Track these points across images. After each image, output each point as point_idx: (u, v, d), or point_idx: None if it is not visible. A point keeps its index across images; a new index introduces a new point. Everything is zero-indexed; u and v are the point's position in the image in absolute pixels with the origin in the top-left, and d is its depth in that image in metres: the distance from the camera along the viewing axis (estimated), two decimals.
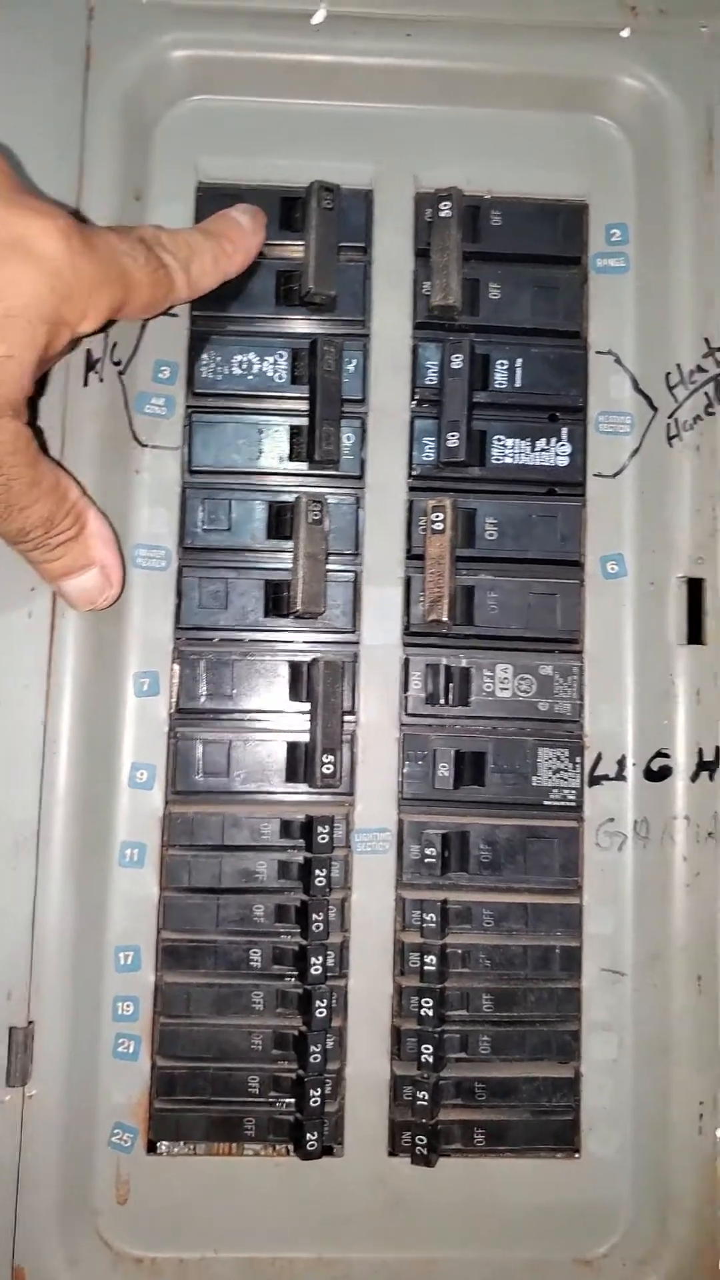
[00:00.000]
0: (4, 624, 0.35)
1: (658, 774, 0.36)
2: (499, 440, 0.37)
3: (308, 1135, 0.35)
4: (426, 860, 0.36)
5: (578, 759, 0.37)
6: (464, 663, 0.37)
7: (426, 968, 0.35)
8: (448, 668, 0.37)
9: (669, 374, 0.37)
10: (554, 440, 0.37)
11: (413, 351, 0.37)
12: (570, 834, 0.37)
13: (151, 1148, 0.35)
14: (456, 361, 0.36)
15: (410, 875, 0.36)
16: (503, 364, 0.37)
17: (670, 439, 0.37)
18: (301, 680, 0.36)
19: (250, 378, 0.37)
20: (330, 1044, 0.35)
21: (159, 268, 0.32)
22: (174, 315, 0.37)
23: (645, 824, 0.36)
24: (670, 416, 0.37)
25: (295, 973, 0.36)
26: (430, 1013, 0.35)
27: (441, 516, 0.36)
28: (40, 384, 0.34)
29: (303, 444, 0.37)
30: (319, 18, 0.37)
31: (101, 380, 0.36)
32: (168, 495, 0.37)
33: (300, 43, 0.37)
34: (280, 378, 0.37)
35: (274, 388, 0.37)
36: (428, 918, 0.36)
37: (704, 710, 0.36)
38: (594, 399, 0.37)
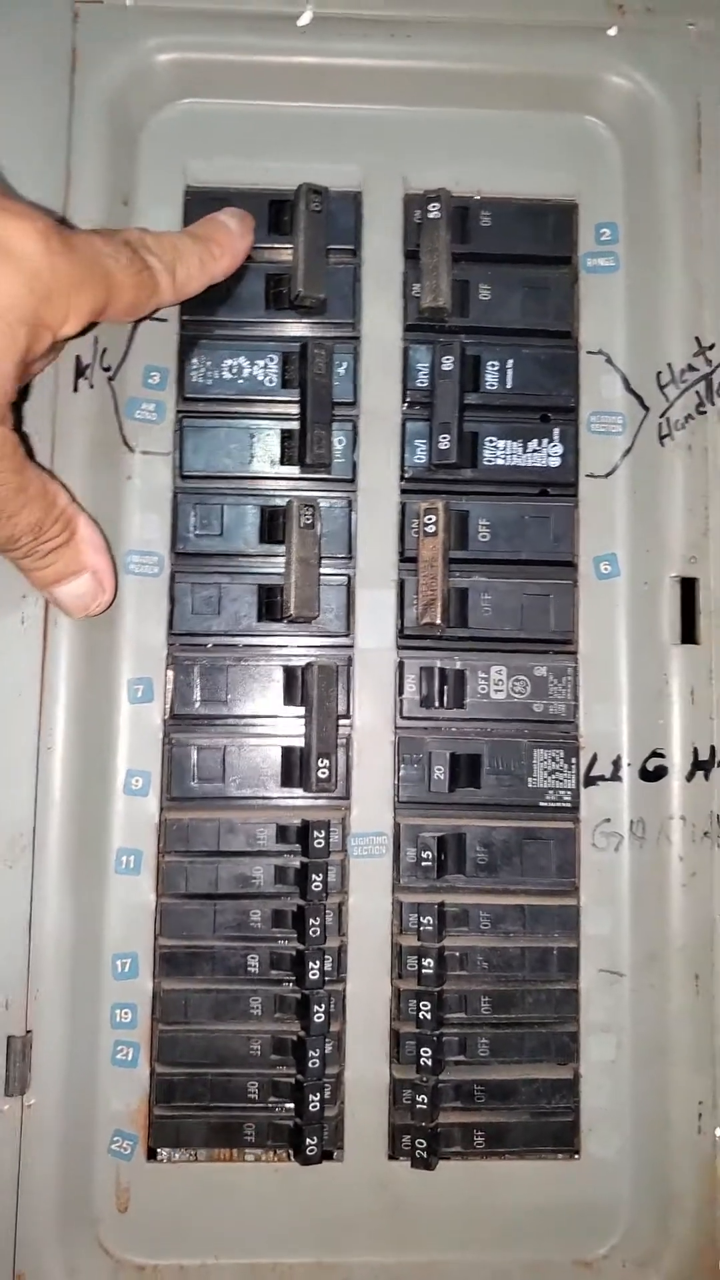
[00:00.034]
0: None
1: (653, 774, 0.36)
2: (491, 441, 0.37)
3: (307, 1140, 0.35)
4: (423, 863, 0.36)
5: (573, 760, 0.37)
6: (458, 665, 0.37)
7: (424, 971, 0.35)
8: (442, 670, 0.37)
9: (660, 373, 0.37)
10: (546, 441, 0.37)
11: (403, 353, 0.37)
12: (566, 835, 0.37)
13: (151, 1155, 0.35)
14: (447, 363, 0.36)
15: (407, 878, 0.36)
16: (494, 365, 0.37)
17: (662, 438, 0.37)
18: (296, 685, 0.36)
19: (241, 382, 0.37)
20: (329, 1048, 0.35)
21: (143, 269, 0.32)
22: (163, 320, 0.37)
23: (641, 824, 0.36)
24: (662, 416, 0.37)
25: (293, 977, 0.36)
26: (429, 1016, 0.35)
27: (434, 519, 0.36)
28: (24, 390, 0.34)
29: (294, 448, 0.37)
30: (305, 20, 0.37)
31: (91, 386, 0.36)
32: (159, 501, 0.37)
33: (287, 45, 0.37)
34: (271, 381, 0.37)
35: (264, 391, 0.37)
36: (425, 921, 0.36)
37: (698, 709, 0.36)
38: (585, 399, 0.37)
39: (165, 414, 0.37)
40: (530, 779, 0.37)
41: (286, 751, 0.36)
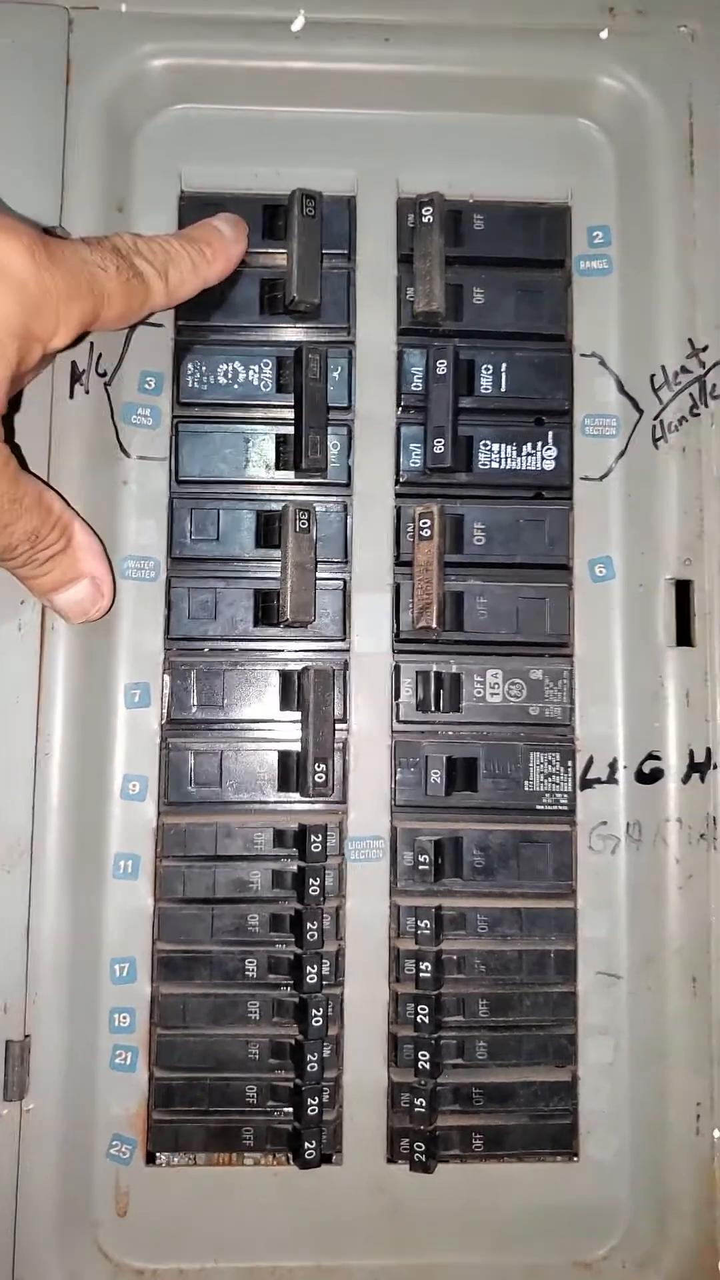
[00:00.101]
0: None
1: (649, 776, 0.36)
2: (485, 445, 0.37)
3: (306, 1144, 0.35)
4: (420, 867, 0.36)
5: (569, 763, 0.37)
6: (454, 668, 0.37)
7: (422, 974, 0.35)
8: (438, 674, 0.37)
9: (654, 376, 0.37)
10: (540, 444, 0.37)
11: (398, 358, 0.37)
12: (563, 838, 0.37)
13: (150, 1159, 0.35)
14: (441, 367, 0.36)
15: (404, 882, 0.36)
16: (488, 369, 0.37)
17: (656, 441, 0.37)
18: (292, 689, 0.36)
19: (236, 387, 0.37)
20: (327, 1052, 0.35)
21: (132, 276, 0.32)
22: (158, 325, 0.37)
23: (638, 827, 0.36)
24: (656, 418, 0.37)
25: (291, 981, 0.36)
26: (426, 1019, 0.35)
27: (429, 522, 0.36)
28: (15, 401, 0.34)
29: (289, 452, 0.37)
30: (298, 25, 0.37)
31: (87, 392, 0.36)
32: (155, 506, 0.37)
33: (280, 50, 0.37)
34: (266, 386, 0.37)
35: (260, 396, 0.37)
36: (422, 924, 0.36)
37: (694, 712, 0.36)
38: (579, 402, 0.37)
39: (161, 419, 0.37)
40: (527, 782, 0.37)
41: (283, 756, 0.36)
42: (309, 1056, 0.35)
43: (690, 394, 0.37)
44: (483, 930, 0.36)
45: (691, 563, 0.37)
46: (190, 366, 0.37)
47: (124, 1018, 0.35)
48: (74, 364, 0.36)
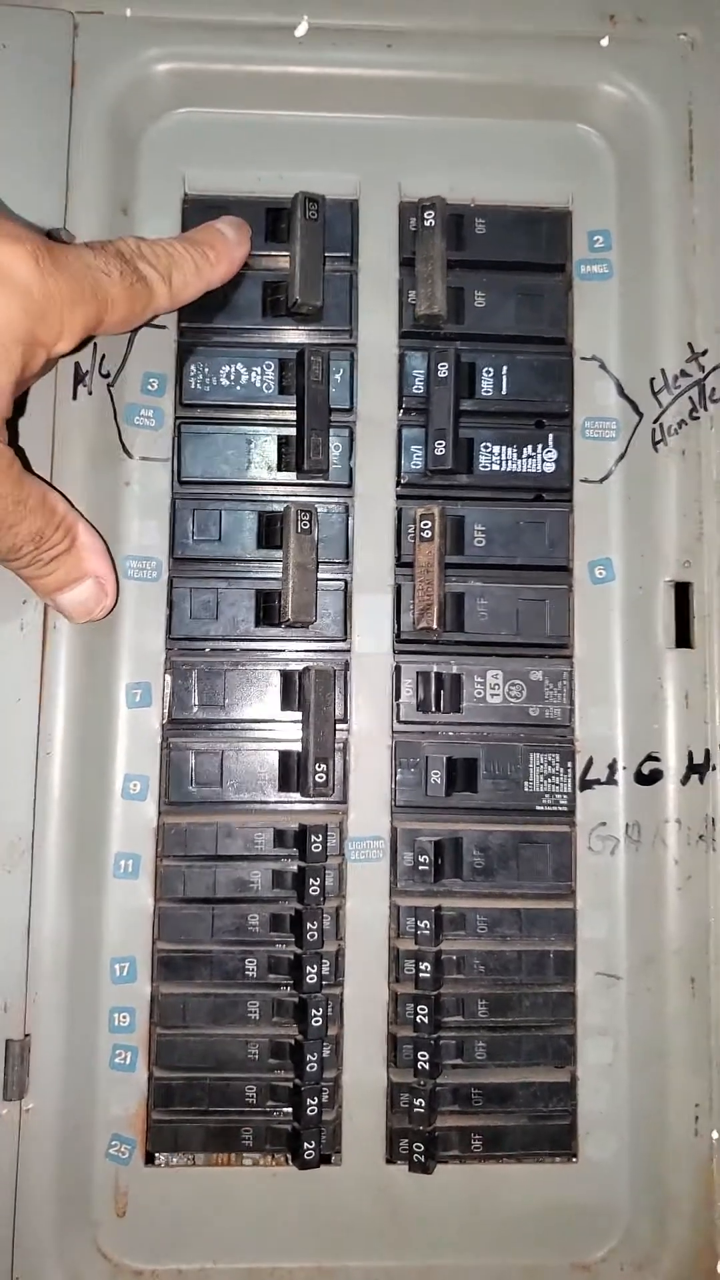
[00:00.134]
0: None
1: (649, 778, 0.36)
2: (486, 447, 0.37)
3: (305, 1144, 0.35)
4: (420, 867, 0.36)
5: (569, 764, 0.37)
6: (454, 669, 0.37)
7: (421, 974, 0.36)
8: (438, 674, 0.37)
9: (653, 379, 0.37)
10: (541, 446, 0.37)
11: (399, 360, 0.38)
12: (563, 839, 0.37)
13: (149, 1159, 0.35)
14: (443, 370, 0.37)
15: (404, 882, 0.36)
16: (489, 371, 0.37)
17: (656, 444, 0.37)
18: (293, 689, 0.37)
19: (238, 388, 0.37)
20: (327, 1052, 0.35)
21: (136, 280, 0.32)
22: (162, 327, 0.37)
23: (637, 828, 0.36)
24: (655, 421, 0.37)
25: (291, 981, 0.36)
26: (426, 1019, 0.35)
27: (430, 524, 0.36)
28: (19, 404, 0.35)
29: (291, 454, 0.37)
30: (302, 30, 0.37)
31: (90, 393, 0.36)
32: (158, 506, 0.37)
33: (284, 55, 0.37)
34: (268, 388, 0.37)
35: (262, 398, 0.37)
36: (422, 924, 0.36)
37: (693, 714, 0.36)
38: (580, 405, 0.38)
39: (164, 420, 0.37)
40: (526, 783, 0.37)
41: (284, 756, 0.36)
42: (308, 1057, 0.35)
43: (690, 397, 0.37)
44: (482, 931, 0.36)
45: (691, 565, 0.37)
46: (193, 368, 0.37)
47: (124, 1017, 0.35)
48: (77, 365, 0.36)
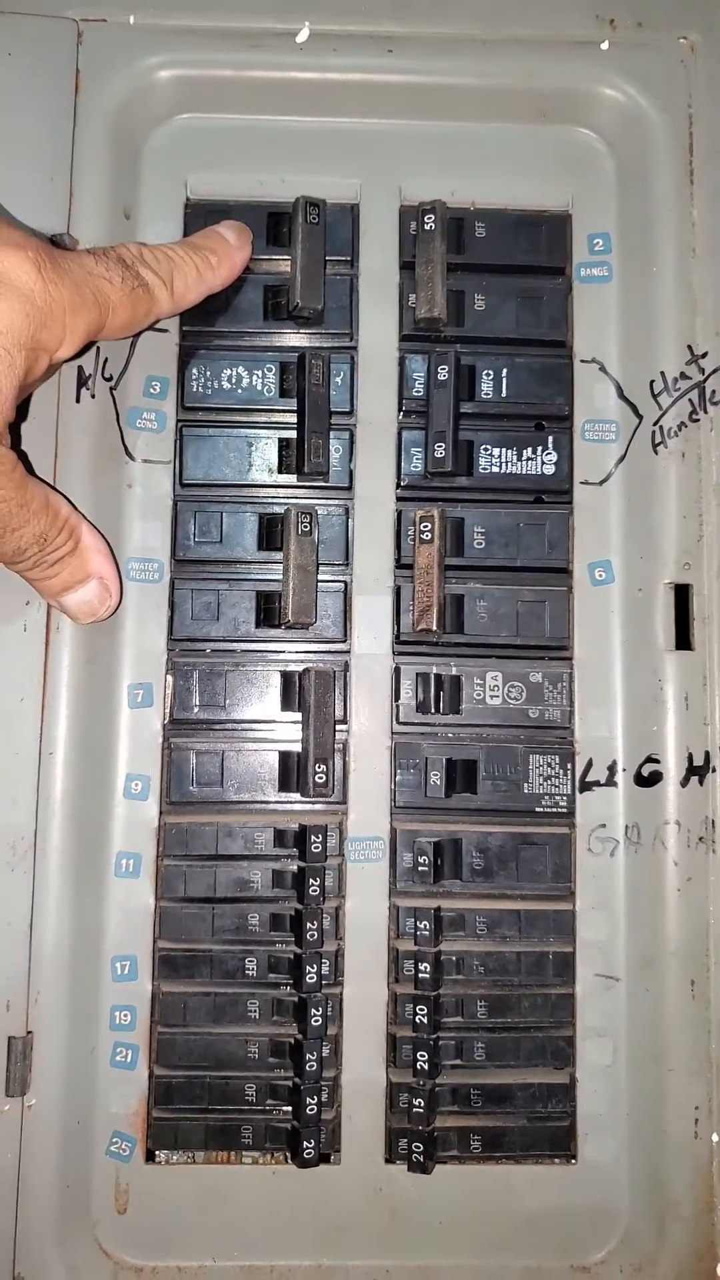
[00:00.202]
0: None
1: (648, 779, 0.36)
2: (486, 450, 0.37)
3: (304, 1143, 0.35)
4: (420, 868, 0.36)
5: (568, 765, 0.37)
6: (454, 671, 0.37)
7: (421, 975, 0.36)
8: (438, 676, 0.37)
9: (653, 381, 0.37)
10: (540, 449, 0.38)
11: (399, 363, 0.38)
12: (562, 840, 0.37)
13: (150, 1156, 0.36)
14: (443, 373, 0.37)
15: (404, 883, 0.36)
16: (488, 374, 0.38)
17: (656, 446, 0.37)
18: (293, 690, 0.37)
19: (239, 391, 0.37)
20: (326, 1052, 0.35)
21: (137, 286, 0.33)
22: (164, 331, 0.37)
23: (636, 829, 0.37)
24: (655, 424, 0.37)
25: (291, 981, 0.36)
26: (425, 1020, 0.35)
27: (430, 526, 0.36)
28: (22, 409, 0.35)
29: (292, 456, 0.37)
30: (303, 36, 0.38)
31: (93, 396, 0.37)
32: (160, 508, 0.37)
33: (285, 61, 0.38)
34: (269, 391, 0.37)
35: (263, 401, 0.37)
36: (421, 925, 0.36)
37: (693, 715, 0.36)
38: (579, 407, 0.38)
39: (166, 423, 0.37)
40: (526, 784, 0.37)
41: (284, 756, 0.37)
42: (308, 1056, 0.35)
43: (690, 400, 0.37)
44: (482, 931, 0.36)
45: (690, 567, 0.37)
46: (195, 371, 0.37)
47: (125, 1015, 0.36)
48: (80, 369, 0.36)
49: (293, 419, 0.37)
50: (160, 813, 0.36)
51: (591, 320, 0.38)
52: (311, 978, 0.35)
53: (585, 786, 0.37)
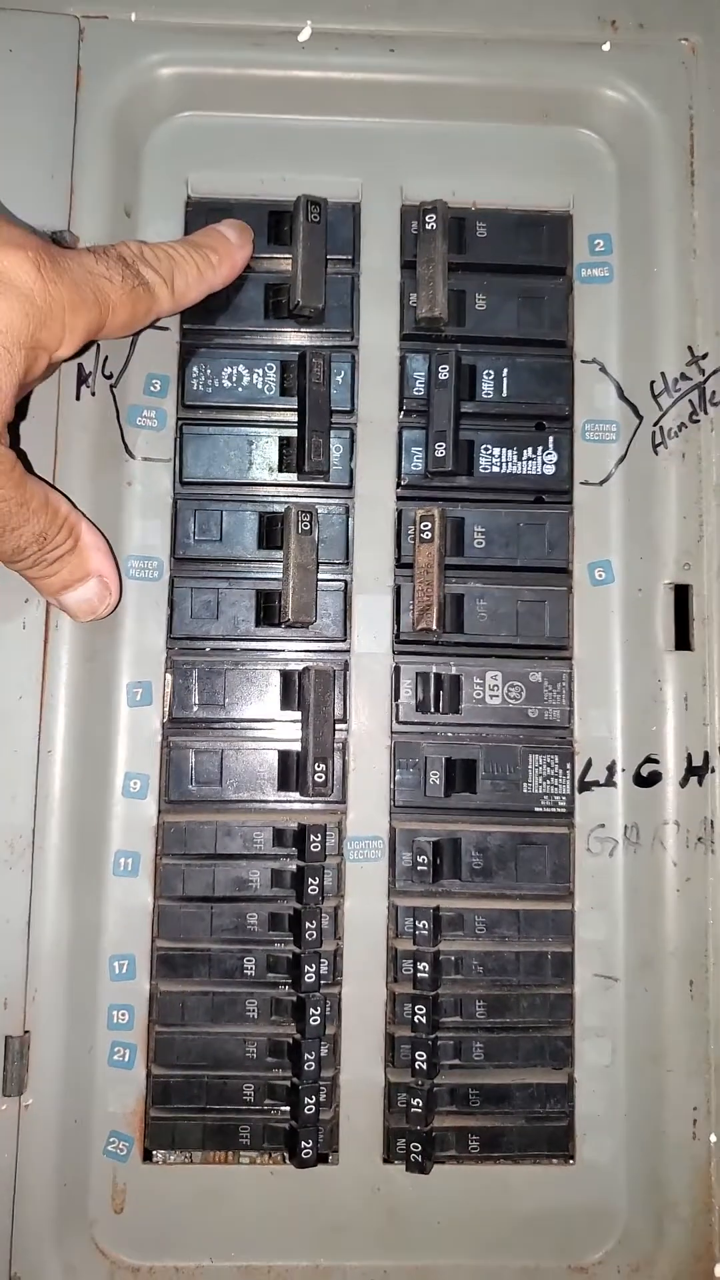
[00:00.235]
0: None
1: (647, 780, 0.36)
2: (486, 449, 0.37)
3: (302, 1143, 0.35)
4: (419, 867, 0.36)
5: (568, 765, 0.37)
6: (454, 670, 0.37)
7: (419, 975, 0.36)
8: (438, 675, 0.37)
9: (654, 382, 0.37)
10: (541, 449, 0.38)
11: (400, 362, 0.38)
12: (561, 840, 0.37)
13: (147, 1156, 0.36)
14: (443, 372, 0.37)
15: (403, 882, 0.36)
16: (489, 374, 0.38)
17: (656, 446, 0.37)
18: (293, 689, 0.37)
19: (240, 390, 0.37)
20: (324, 1051, 0.35)
21: (137, 285, 0.33)
22: (164, 329, 0.37)
23: (636, 830, 0.37)
24: (655, 424, 0.37)
25: (289, 980, 0.36)
26: (424, 1019, 0.35)
27: (430, 525, 0.36)
28: (21, 407, 0.35)
29: (292, 455, 0.37)
30: (305, 35, 0.38)
31: (93, 394, 0.37)
32: (159, 507, 0.37)
33: (287, 59, 0.38)
34: (269, 389, 0.37)
35: (263, 399, 0.37)
36: (420, 925, 0.36)
37: (692, 716, 0.36)
38: (580, 407, 0.38)
39: (166, 421, 0.37)
40: (525, 784, 0.37)
41: (283, 755, 0.37)
42: (306, 1056, 0.35)
43: (690, 400, 0.37)
44: (480, 931, 0.36)
45: (690, 568, 0.37)
46: (195, 369, 0.37)
47: (123, 1014, 0.36)
48: (80, 366, 0.36)
49: (293, 418, 0.37)
50: (159, 811, 0.36)
51: (592, 320, 0.38)
52: (310, 977, 0.35)
53: (584, 786, 0.37)
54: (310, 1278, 0.35)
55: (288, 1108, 0.35)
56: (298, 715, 0.37)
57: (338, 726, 0.36)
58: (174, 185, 0.38)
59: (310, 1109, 0.35)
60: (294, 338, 0.38)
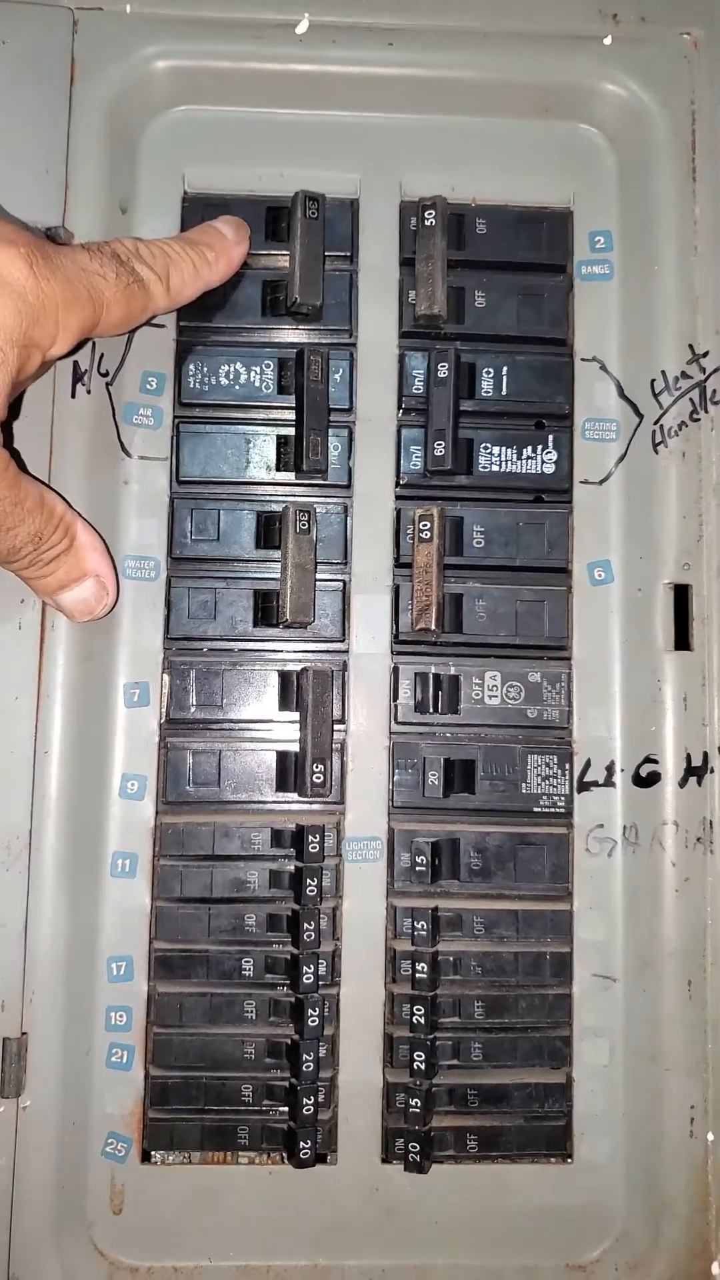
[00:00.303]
0: None
1: (646, 780, 0.36)
2: (486, 448, 0.37)
3: (301, 1143, 0.35)
4: (417, 868, 0.36)
5: (567, 766, 0.37)
6: (453, 670, 0.37)
7: (418, 975, 0.36)
8: (436, 676, 0.37)
9: (654, 380, 0.37)
10: (540, 448, 0.37)
11: (399, 360, 0.37)
12: (560, 840, 0.37)
13: (146, 1157, 0.36)
14: (442, 370, 0.37)
15: (401, 883, 0.36)
16: (488, 372, 0.37)
17: (656, 445, 0.37)
18: (291, 689, 0.37)
19: (237, 388, 0.37)
20: (323, 1052, 0.35)
21: (132, 282, 0.32)
22: (160, 326, 0.37)
23: (634, 830, 0.36)
24: (656, 423, 0.37)
25: (287, 981, 0.36)
26: (422, 1020, 0.35)
27: (429, 525, 0.36)
28: (15, 406, 0.35)
29: (290, 453, 0.37)
30: (303, 28, 0.37)
31: (89, 392, 0.36)
32: (156, 506, 0.37)
33: (284, 53, 0.37)
34: (267, 387, 0.37)
35: (261, 397, 0.37)
36: (419, 925, 0.36)
37: (691, 716, 0.36)
38: (580, 406, 0.38)
39: (162, 419, 0.37)
40: (524, 784, 0.37)
41: (281, 756, 0.36)
42: (305, 1056, 0.35)
43: (690, 399, 0.37)
44: (479, 932, 0.36)
45: (690, 567, 0.37)
46: (192, 367, 0.37)
47: (120, 1016, 0.35)
48: (76, 364, 0.36)
49: (291, 416, 0.37)
50: (156, 812, 0.36)
51: (592, 318, 0.38)
52: (308, 978, 0.35)
53: (583, 787, 0.37)
54: (309, 1277, 0.35)
55: (286, 1108, 0.35)
56: (296, 716, 0.36)
57: (336, 727, 0.36)
58: (170, 180, 0.38)
59: (309, 1109, 0.35)
60: (292, 335, 0.37)
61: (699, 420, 0.37)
